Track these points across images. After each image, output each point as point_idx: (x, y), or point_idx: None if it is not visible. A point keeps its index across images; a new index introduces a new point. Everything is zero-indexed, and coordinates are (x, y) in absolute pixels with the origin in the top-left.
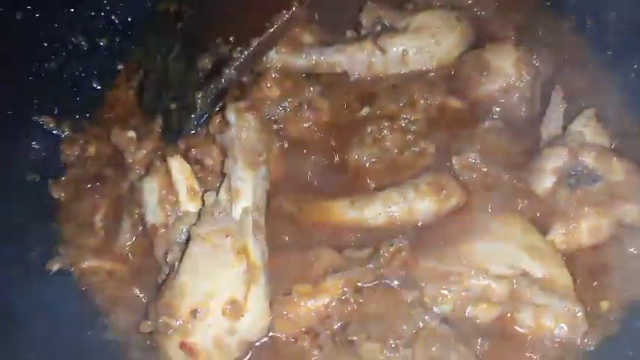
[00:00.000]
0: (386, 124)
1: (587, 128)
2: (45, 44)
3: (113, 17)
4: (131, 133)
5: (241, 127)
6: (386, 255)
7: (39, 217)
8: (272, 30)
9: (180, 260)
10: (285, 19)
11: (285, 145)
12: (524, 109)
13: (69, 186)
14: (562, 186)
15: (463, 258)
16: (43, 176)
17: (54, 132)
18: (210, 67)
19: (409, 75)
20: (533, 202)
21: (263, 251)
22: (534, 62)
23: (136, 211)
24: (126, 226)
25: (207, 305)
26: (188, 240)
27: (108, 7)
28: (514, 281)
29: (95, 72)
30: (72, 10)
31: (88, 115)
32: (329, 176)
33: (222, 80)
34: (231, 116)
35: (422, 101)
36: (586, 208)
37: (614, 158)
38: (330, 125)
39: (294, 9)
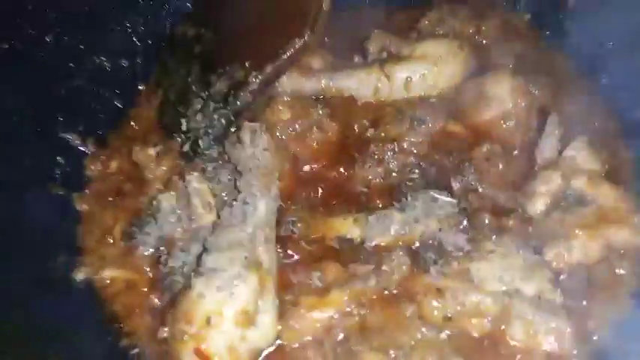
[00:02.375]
0: (390, 146)
1: (579, 154)
2: (71, 64)
3: (134, 39)
4: (152, 151)
5: (256, 146)
6: (387, 270)
7: (63, 229)
8: (285, 57)
9: (196, 271)
10: (298, 46)
11: (295, 165)
12: (520, 135)
13: (92, 199)
14: (555, 208)
15: (459, 274)
16: (67, 190)
17: (79, 148)
18: (226, 90)
19: (413, 99)
20: (527, 223)
21: (273, 264)
22: (530, 90)
23: (154, 225)
24: (144, 239)
25: (221, 314)
26: (203, 252)
27: (130, 30)
28: (506, 297)
29: (117, 91)
30: (96, 33)
31: (111, 132)
32: (335, 194)
33: (238, 103)
34: (246, 136)
35: (424, 125)
36: (577, 230)
37: (605, 183)
38: (337, 146)
39: (306, 37)
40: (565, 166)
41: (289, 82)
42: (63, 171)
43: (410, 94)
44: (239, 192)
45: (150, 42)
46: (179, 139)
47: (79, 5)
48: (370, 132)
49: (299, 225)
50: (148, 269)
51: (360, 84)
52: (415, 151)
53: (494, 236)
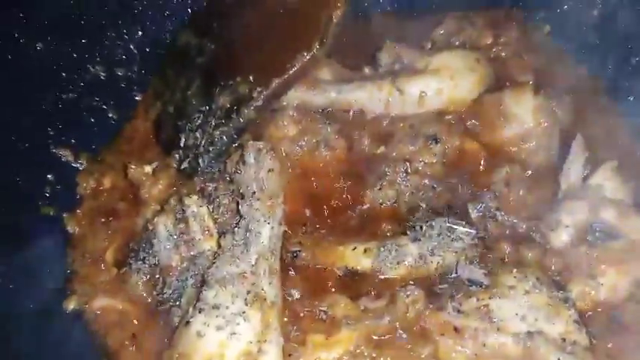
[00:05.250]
0: (402, 167)
1: (607, 182)
2: (63, 74)
3: (132, 47)
4: (148, 168)
5: (260, 167)
6: (401, 306)
7: (53, 252)
8: (292, 71)
9: (194, 305)
10: (305, 60)
11: (300, 185)
12: (542, 157)
13: (84, 220)
14: (581, 241)
15: (479, 313)
16: (57, 210)
17: (72, 164)
18: (228, 105)
19: (426, 115)
20: (550, 256)
21: (278, 297)
22: (553, 109)
23: (150, 250)
24: (138, 265)
25: (222, 356)
26: (202, 283)
27: (127, 37)
28: (529, 339)
29: (112, 103)
30: (90, 39)
31: (104, 146)
32: (343, 218)
33: (241, 120)
34: (249, 157)
35: (438, 144)
36: (604, 266)
37: (635, 215)
38: (346, 164)
39: (315, 51)
40: (592, 195)
41: (295, 95)
42: (53, 189)
43: (424, 110)
44: (241, 216)
45: (148, 50)
46: (177, 156)
47: (70, 9)
48: (381, 150)
49: (304, 254)
50: (141, 299)
51: (371, 98)
52: (429, 173)
53: (515, 269)
